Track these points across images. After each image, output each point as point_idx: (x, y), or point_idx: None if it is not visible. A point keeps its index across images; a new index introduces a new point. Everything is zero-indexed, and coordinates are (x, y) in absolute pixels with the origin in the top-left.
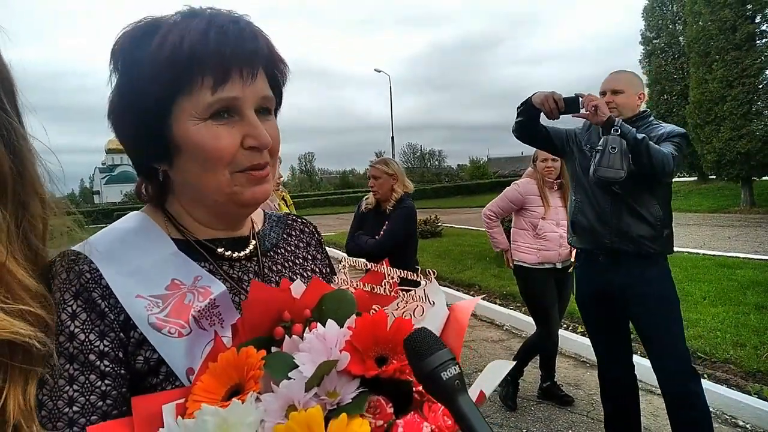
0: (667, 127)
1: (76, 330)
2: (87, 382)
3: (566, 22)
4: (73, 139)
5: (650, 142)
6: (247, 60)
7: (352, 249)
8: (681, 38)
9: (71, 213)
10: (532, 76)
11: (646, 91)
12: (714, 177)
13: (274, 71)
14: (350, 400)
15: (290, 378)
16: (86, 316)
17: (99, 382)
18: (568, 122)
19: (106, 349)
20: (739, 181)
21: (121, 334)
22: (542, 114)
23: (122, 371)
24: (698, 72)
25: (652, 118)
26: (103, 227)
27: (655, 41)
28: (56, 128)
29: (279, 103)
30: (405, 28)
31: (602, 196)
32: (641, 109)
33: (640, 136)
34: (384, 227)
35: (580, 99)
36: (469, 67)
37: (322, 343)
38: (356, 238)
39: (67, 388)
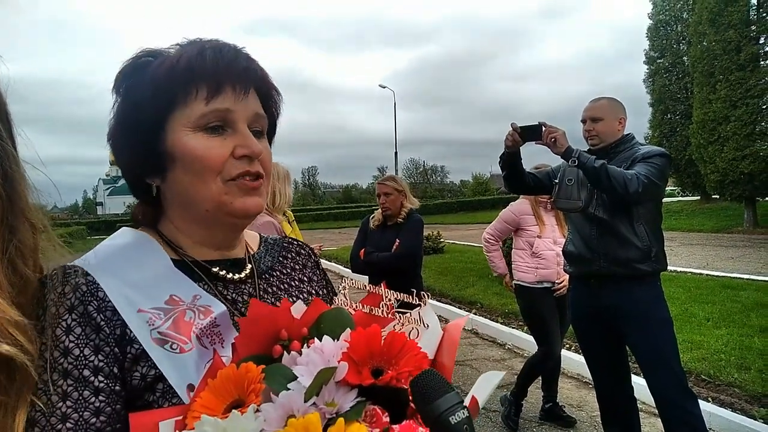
0: (644, 148)
1: (71, 345)
2: (81, 398)
3: (553, 39)
4: (77, 151)
5: (611, 166)
6: (240, 76)
7: (360, 267)
8: (685, 58)
9: (57, 225)
10: (524, 92)
11: (649, 110)
12: (717, 197)
13: (267, 97)
14: (348, 409)
15: (290, 389)
16: (81, 330)
17: (93, 398)
18: (549, 159)
19: (101, 364)
20: (743, 201)
21: (116, 349)
22: (517, 151)
23: (117, 387)
24: (702, 92)
25: (635, 141)
26: (106, 237)
27: (659, 61)
28: (59, 140)
29: (273, 131)
30: (391, 44)
31: (587, 224)
32: (624, 134)
33: (597, 163)
34: (396, 241)
35: (543, 128)
36: (459, 84)
37: (320, 355)
38: (366, 255)
39: (61, 404)
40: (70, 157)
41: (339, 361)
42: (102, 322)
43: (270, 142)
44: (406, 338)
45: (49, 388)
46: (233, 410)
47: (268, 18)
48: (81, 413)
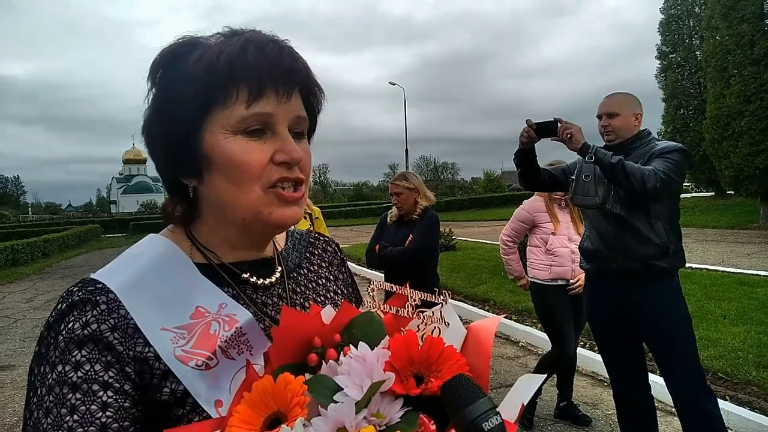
0: (661, 144)
1: (82, 359)
2: (87, 412)
3: (563, 35)
4: (90, 150)
5: (628, 162)
6: (284, 78)
7: (375, 261)
8: (698, 53)
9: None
10: (534, 88)
11: (662, 106)
12: (732, 192)
13: (310, 95)
14: (398, 420)
15: (337, 401)
16: (93, 345)
17: (99, 413)
18: (565, 155)
19: (111, 380)
20: (758, 197)
21: (130, 367)
22: (529, 145)
23: (126, 404)
24: (715, 87)
25: (651, 136)
26: (120, 236)
27: (671, 56)
28: (71, 139)
29: (313, 128)
30: (397, 42)
31: (604, 221)
32: (640, 129)
33: (614, 159)
34: (409, 237)
35: (559, 124)
36: (467, 81)
37: (362, 364)
38: (381, 250)
39: (68, 417)
40: (83, 156)
41: (384, 371)
42: (115, 341)
43: (310, 138)
44: (444, 343)
45: (58, 401)
46: (282, 425)
47: (269, 16)
48: (86, 428)
